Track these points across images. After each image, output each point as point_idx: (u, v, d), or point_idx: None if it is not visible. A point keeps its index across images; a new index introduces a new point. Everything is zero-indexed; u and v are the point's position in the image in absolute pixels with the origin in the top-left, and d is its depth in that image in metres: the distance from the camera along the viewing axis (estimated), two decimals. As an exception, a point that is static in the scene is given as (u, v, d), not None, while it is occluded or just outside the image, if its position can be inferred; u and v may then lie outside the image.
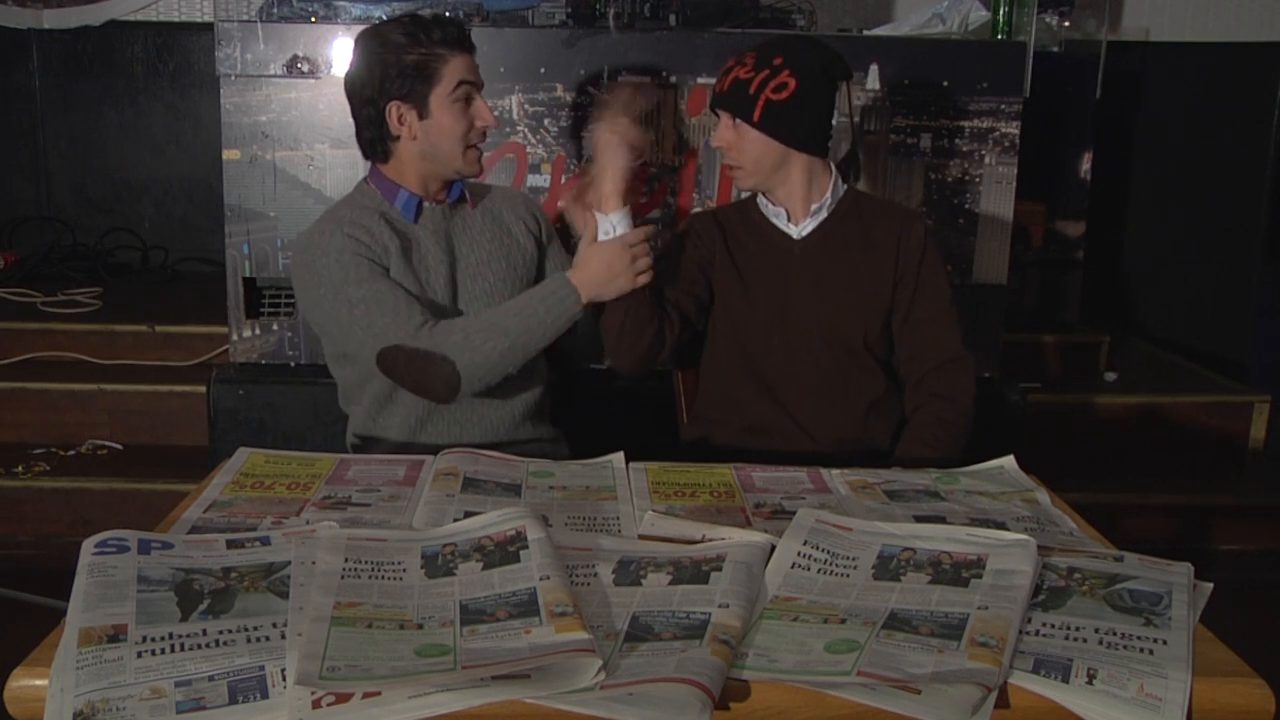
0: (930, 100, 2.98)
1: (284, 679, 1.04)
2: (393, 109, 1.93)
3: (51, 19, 4.16)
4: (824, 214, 2.11)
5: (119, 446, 3.27)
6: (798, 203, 2.11)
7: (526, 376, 2.06)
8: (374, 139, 1.97)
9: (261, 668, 1.06)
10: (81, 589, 1.16)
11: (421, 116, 1.93)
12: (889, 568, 1.30)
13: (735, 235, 2.15)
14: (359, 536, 1.31)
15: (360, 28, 2.88)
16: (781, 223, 2.12)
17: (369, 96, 1.93)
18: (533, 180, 2.97)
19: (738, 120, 2.04)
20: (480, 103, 1.96)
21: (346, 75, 1.98)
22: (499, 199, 2.15)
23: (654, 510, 1.48)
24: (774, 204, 2.12)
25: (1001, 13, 3.10)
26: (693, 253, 2.15)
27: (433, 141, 1.94)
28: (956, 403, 2.07)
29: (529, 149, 2.95)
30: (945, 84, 2.97)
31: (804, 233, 2.11)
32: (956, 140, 3.01)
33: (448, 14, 2.89)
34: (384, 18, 2.96)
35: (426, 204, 2.01)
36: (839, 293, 2.11)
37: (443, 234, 2.02)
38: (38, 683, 1.06)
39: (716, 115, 2.09)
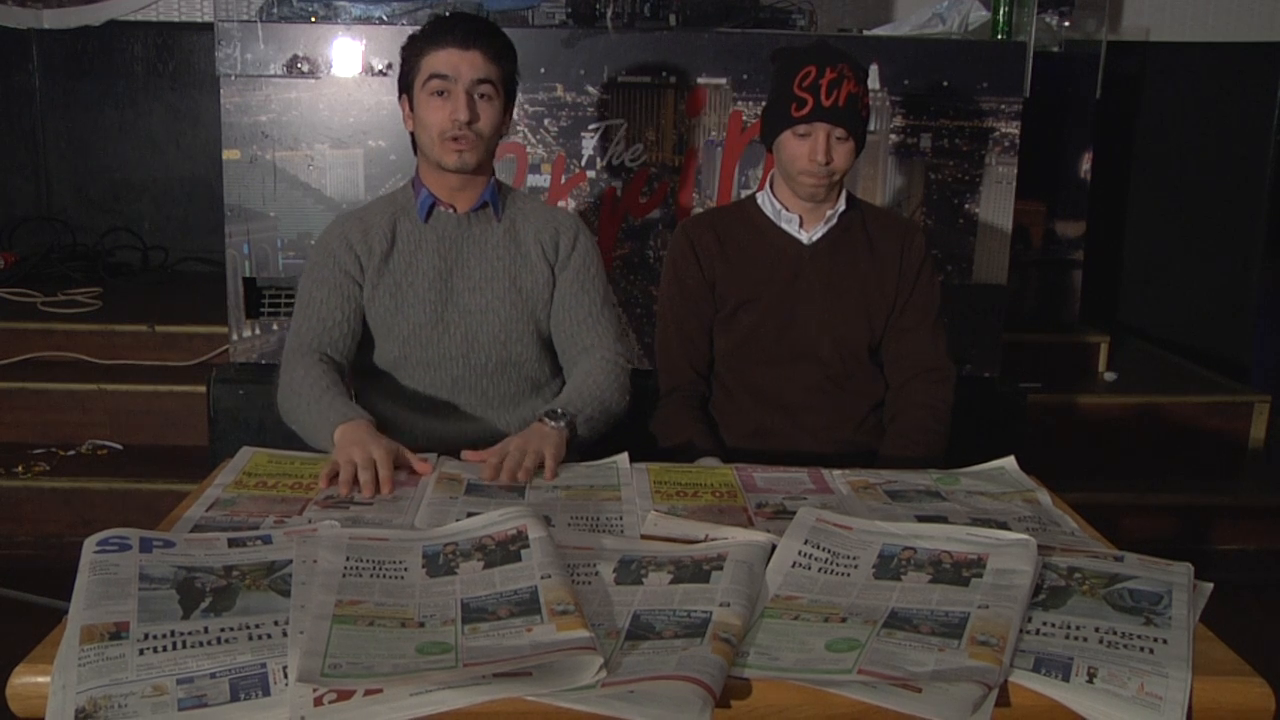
0: (930, 100, 2.98)
1: (286, 676, 1.04)
2: (402, 103, 2.01)
3: (51, 19, 4.16)
4: (834, 220, 2.11)
5: (119, 446, 3.27)
6: (818, 208, 2.10)
7: (533, 392, 2.07)
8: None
9: (263, 665, 1.06)
10: (83, 587, 1.16)
11: (413, 109, 1.97)
12: (890, 567, 1.30)
13: (737, 240, 2.14)
14: (360, 536, 1.32)
15: (361, 27, 2.91)
16: (793, 229, 2.11)
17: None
18: (533, 180, 2.97)
19: (846, 134, 1.99)
20: (459, 97, 1.90)
21: None
22: (532, 216, 2.07)
23: (656, 510, 1.48)
24: (788, 209, 2.11)
25: (1001, 13, 3.10)
26: (695, 286, 2.13)
27: (419, 134, 1.98)
28: (934, 411, 2.09)
29: (529, 149, 2.95)
30: (945, 84, 2.97)
31: (814, 238, 2.11)
32: (956, 140, 3.01)
33: (450, 11, 2.89)
34: (384, 18, 2.98)
35: (440, 208, 2.01)
36: (847, 299, 2.11)
37: (451, 241, 2.01)
38: (40, 680, 1.06)
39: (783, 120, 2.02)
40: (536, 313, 2.04)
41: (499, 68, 1.95)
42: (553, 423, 1.78)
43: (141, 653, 1.06)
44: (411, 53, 1.96)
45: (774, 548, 1.33)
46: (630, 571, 1.27)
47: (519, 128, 2.92)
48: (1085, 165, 3.73)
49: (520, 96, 2.90)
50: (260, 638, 1.10)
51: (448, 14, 2.00)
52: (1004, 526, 1.43)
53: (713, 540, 1.36)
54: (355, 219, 2.04)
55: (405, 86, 1.99)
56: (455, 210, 2.02)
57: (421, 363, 2.02)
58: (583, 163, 2.97)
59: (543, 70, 2.89)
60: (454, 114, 1.90)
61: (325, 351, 1.97)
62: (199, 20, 4.15)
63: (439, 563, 1.27)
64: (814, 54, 2.01)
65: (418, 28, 1.98)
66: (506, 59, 1.97)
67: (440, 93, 1.91)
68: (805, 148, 1.99)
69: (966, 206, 3.05)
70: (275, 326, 3.03)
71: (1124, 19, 4.07)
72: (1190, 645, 1.14)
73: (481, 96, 1.93)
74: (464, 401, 2.04)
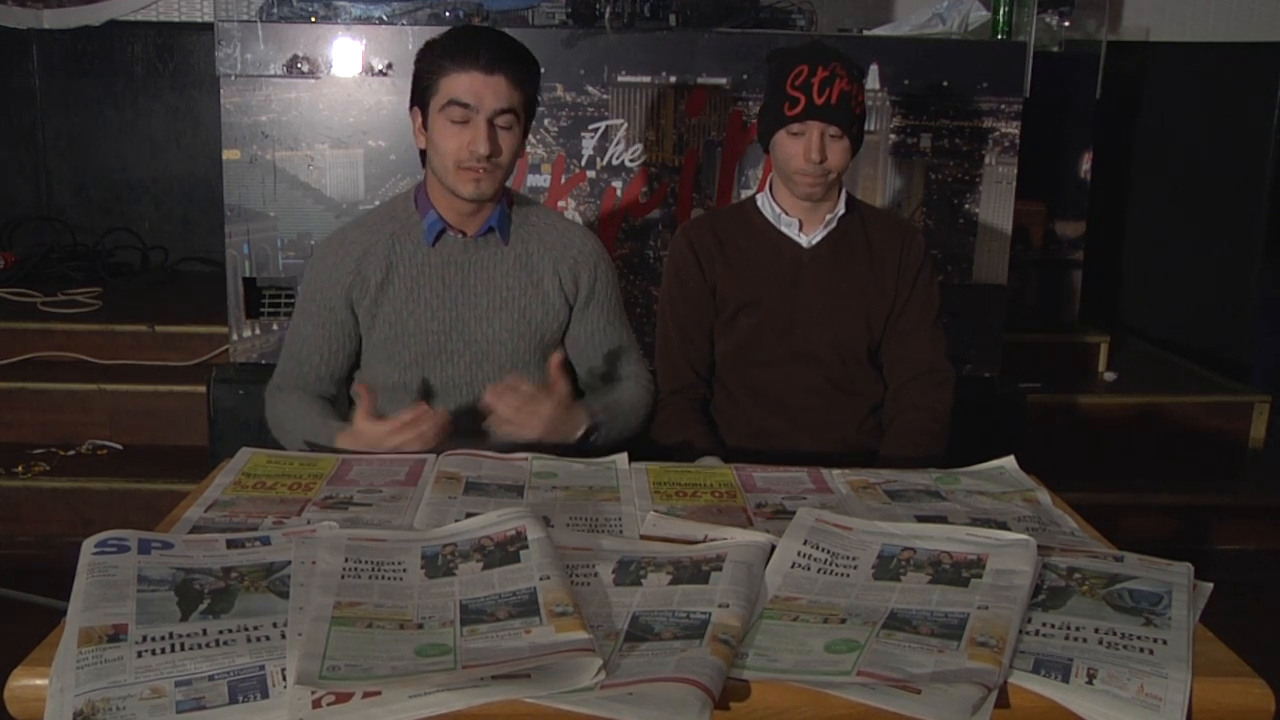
0: (930, 100, 2.98)
1: (284, 678, 1.04)
2: (413, 114, 1.90)
3: (51, 19, 4.16)
4: (834, 224, 2.11)
5: (119, 446, 3.27)
6: (816, 211, 2.10)
7: None
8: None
9: (262, 667, 1.06)
10: (82, 589, 1.16)
11: (427, 127, 1.87)
12: (889, 567, 1.30)
13: (737, 243, 2.13)
14: (359, 537, 1.31)
15: (361, 27, 2.91)
16: (793, 232, 2.11)
17: None
18: (533, 180, 2.97)
19: (840, 132, 1.99)
20: (480, 128, 1.80)
21: None
22: (547, 239, 1.99)
23: (655, 510, 1.47)
24: (788, 213, 2.11)
25: (1001, 13, 3.10)
26: (696, 289, 2.13)
27: (433, 157, 1.88)
28: (933, 413, 2.08)
29: (529, 149, 2.95)
30: (945, 84, 2.97)
31: (814, 241, 2.11)
32: (956, 140, 3.01)
33: (453, 18, 2.89)
34: (384, 18, 2.98)
35: (449, 233, 1.93)
36: (847, 301, 2.11)
37: (456, 266, 1.94)
38: (38, 682, 1.05)
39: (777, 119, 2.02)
40: (545, 341, 2.01)
41: (523, 93, 1.85)
42: (583, 427, 1.86)
43: (140, 655, 1.06)
44: (430, 67, 1.83)
45: (773, 548, 1.33)
46: (629, 572, 1.27)
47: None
48: (1085, 165, 3.73)
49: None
50: (259, 640, 1.10)
51: (471, 24, 1.92)
52: (1004, 526, 1.43)
53: (712, 541, 1.36)
54: (351, 242, 1.96)
55: (419, 101, 1.87)
56: (465, 235, 1.94)
57: (422, 391, 1.97)
58: (583, 163, 2.97)
59: (543, 70, 2.87)
60: (473, 145, 1.81)
61: (303, 390, 1.99)
62: (199, 20, 4.15)
63: (438, 564, 1.27)
64: (806, 53, 2.01)
65: (418, 28, 1.94)
66: (530, 83, 1.87)
67: (464, 120, 1.81)
68: (799, 146, 1.99)
69: (966, 206, 3.05)
70: (275, 326, 3.03)
71: (1124, 19, 4.07)
72: (1190, 646, 1.14)
73: (503, 125, 1.83)
74: (464, 424, 1.98)
